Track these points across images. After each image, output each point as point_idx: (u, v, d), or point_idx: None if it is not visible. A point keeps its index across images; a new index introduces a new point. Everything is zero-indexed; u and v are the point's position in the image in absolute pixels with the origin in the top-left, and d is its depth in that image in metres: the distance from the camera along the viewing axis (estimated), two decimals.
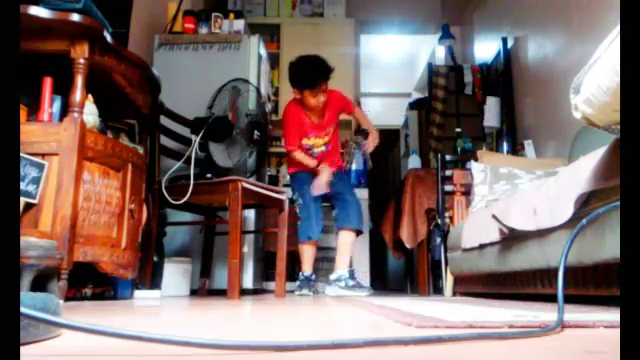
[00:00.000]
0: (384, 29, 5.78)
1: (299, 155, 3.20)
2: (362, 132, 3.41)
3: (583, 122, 1.06)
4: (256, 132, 2.85)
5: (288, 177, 3.47)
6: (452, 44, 5.20)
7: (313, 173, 3.20)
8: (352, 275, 3.18)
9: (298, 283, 3.22)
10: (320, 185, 3.09)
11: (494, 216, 1.91)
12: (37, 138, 1.76)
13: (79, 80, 1.85)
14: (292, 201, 3.27)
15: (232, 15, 3.70)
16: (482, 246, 2.11)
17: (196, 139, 2.70)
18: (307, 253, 3.20)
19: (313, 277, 3.23)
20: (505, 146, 3.73)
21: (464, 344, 0.64)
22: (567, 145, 2.64)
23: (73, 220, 1.74)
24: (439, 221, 3.13)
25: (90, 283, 2.11)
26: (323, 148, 3.29)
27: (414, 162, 4.39)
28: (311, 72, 3.08)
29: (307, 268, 3.21)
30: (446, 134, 4.44)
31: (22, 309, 0.53)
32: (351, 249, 3.23)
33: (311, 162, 3.21)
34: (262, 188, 2.81)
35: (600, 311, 1.13)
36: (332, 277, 3.16)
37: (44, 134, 1.77)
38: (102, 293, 2.18)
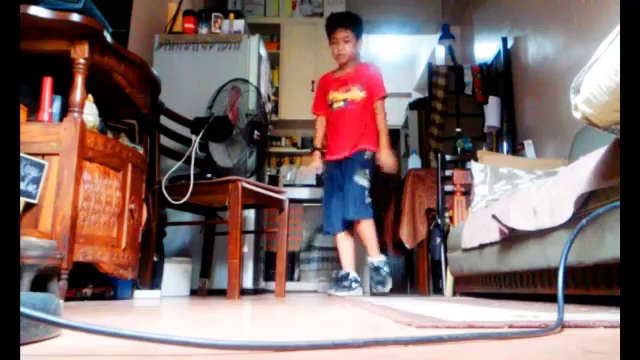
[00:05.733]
0: (384, 29, 5.77)
1: (317, 125, 3.27)
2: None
3: (583, 122, 1.07)
4: (256, 132, 2.85)
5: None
6: (452, 44, 5.20)
7: (338, 163, 3.11)
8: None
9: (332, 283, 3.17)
10: (307, 170, 3.08)
11: (494, 216, 1.91)
12: (37, 138, 1.76)
13: (79, 80, 1.85)
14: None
15: (232, 15, 3.70)
16: (482, 246, 2.11)
17: (196, 139, 2.70)
18: (339, 248, 3.13)
19: (351, 276, 3.05)
20: (505, 146, 3.73)
21: (464, 344, 0.64)
22: (567, 145, 2.64)
23: (73, 220, 1.74)
24: (439, 221, 3.13)
25: (90, 283, 2.11)
26: (342, 104, 3.15)
27: (414, 162, 4.40)
28: (329, 19, 3.27)
29: (343, 265, 3.11)
30: (446, 134, 4.44)
31: (22, 309, 0.53)
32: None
33: (315, 140, 3.27)
34: (262, 188, 2.81)
35: (600, 311, 1.13)
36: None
37: (44, 134, 1.77)
38: (102, 293, 2.18)
